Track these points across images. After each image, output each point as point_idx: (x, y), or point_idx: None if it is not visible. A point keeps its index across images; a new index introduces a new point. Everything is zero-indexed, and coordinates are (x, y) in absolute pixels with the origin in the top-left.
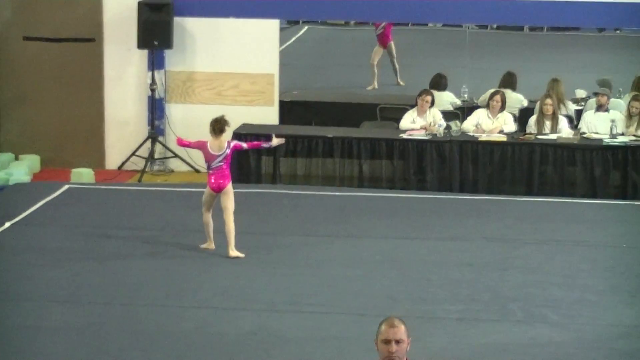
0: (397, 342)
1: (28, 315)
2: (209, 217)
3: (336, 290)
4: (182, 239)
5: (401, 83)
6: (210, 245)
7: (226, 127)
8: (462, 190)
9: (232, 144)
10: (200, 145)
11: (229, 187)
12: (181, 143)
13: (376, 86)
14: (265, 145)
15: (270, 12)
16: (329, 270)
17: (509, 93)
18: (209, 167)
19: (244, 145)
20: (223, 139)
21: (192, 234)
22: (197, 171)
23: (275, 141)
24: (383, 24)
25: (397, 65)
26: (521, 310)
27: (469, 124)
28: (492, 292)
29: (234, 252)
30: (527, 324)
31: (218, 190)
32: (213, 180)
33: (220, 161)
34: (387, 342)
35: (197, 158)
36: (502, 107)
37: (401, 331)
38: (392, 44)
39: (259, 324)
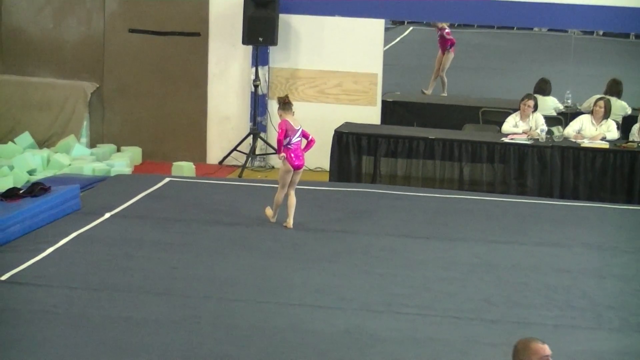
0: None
1: (124, 306)
2: (282, 196)
3: (432, 291)
4: (280, 236)
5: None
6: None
7: (291, 105)
8: (562, 196)
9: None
10: (285, 125)
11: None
12: (281, 138)
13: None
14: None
15: (376, 11)
16: (425, 271)
17: (613, 100)
18: (289, 143)
19: (310, 136)
20: (294, 115)
21: (290, 231)
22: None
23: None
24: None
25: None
26: (617, 318)
27: (572, 130)
28: (588, 299)
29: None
30: (622, 332)
31: (298, 167)
32: (294, 157)
33: (298, 136)
34: (546, 358)
35: None
36: (606, 114)
37: None
38: (451, 54)
39: (353, 323)
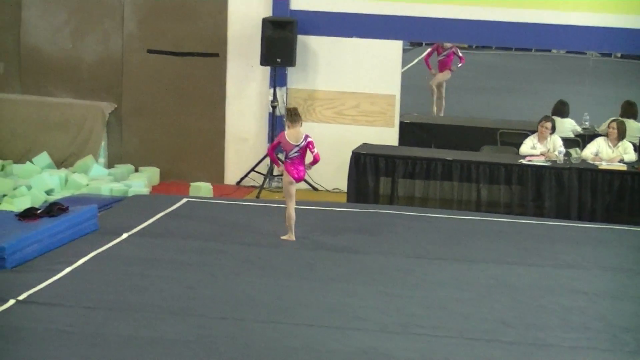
0: None
1: (140, 326)
2: (293, 209)
3: (447, 312)
4: (296, 256)
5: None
6: (292, 237)
7: (298, 119)
8: (579, 218)
9: (308, 140)
10: (279, 138)
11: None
12: (270, 150)
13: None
14: (310, 165)
15: (394, 33)
16: (441, 292)
17: (629, 122)
18: (286, 157)
19: (314, 150)
20: (301, 130)
21: (306, 252)
22: (315, 189)
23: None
24: (448, 49)
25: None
26: (634, 340)
27: (589, 152)
28: (604, 321)
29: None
30: (639, 355)
31: (299, 179)
32: (294, 170)
33: (296, 152)
34: None
35: (316, 176)
36: (620, 136)
37: None
38: (449, 73)
39: (369, 344)
